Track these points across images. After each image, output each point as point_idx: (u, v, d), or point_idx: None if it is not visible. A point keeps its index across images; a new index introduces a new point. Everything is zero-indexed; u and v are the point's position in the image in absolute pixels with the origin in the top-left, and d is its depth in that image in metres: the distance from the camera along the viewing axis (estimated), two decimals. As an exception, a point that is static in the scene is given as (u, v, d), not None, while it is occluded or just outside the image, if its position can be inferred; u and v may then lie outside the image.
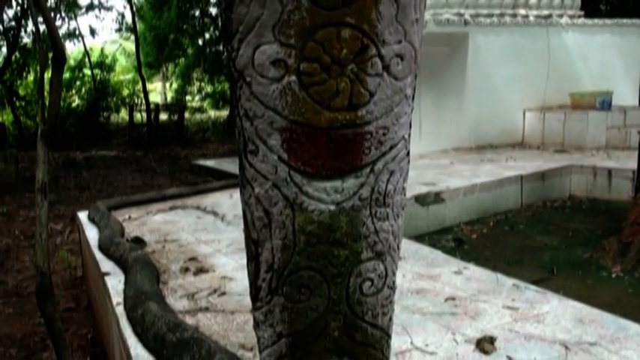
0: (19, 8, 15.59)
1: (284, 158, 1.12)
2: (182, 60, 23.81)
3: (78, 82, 20.49)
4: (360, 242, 1.15)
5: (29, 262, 6.61)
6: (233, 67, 1.15)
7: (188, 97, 25.79)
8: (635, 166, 6.08)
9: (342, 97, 1.09)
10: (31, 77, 19.50)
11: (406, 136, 1.18)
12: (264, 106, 1.11)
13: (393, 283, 1.23)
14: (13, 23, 16.19)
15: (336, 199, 1.12)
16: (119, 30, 23.47)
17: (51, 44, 3.11)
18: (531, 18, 9.70)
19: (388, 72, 1.13)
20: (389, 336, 1.26)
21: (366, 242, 1.16)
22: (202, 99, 26.39)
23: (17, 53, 17.15)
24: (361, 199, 1.14)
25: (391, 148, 1.15)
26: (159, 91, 30.92)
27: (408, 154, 1.21)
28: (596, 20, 10.39)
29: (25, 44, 17.56)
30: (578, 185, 7.19)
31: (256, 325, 1.24)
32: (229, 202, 5.81)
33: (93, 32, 19.71)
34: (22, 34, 16.85)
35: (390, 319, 1.25)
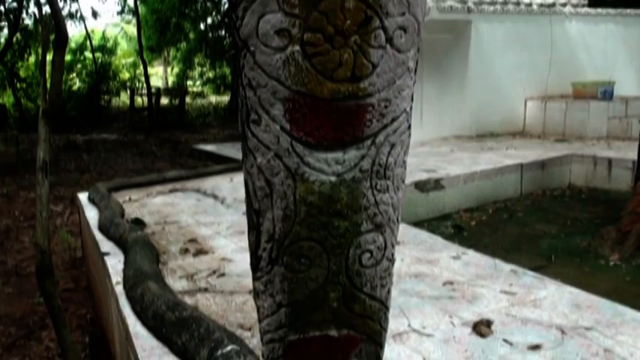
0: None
1: (286, 128, 1.12)
2: (184, 44, 23.77)
3: (79, 65, 20.46)
4: (360, 214, 1.16)
5: (29, 243, 6.63)
6: (237, 36, 1.15)
7: (189, 82, 25.77)
8: (635, 156, 6.07)
9: (344, 68, 1.10)
10: (32, 59, 19.45)
11: (408, 109, 1.18)
12: (267, 76, 1.12)
13: (392, 255, 1.23)
14: (14, 4, 16.10)
15: (337, 171, 1.13)
16: (121, 12, 23.36)
17: (54, 23, 3.10)
18: (534, 6, 9.66)
19: (391, 44, 1.13)
20: (387, 308, 1.27)
21: (366, 214, 1.16)
22: (203, 84, 26.37)
23: (19, 35, 17.08)
24: (362, 170, 1.14)
25: (393, 120, 1.15)
26: (160, 75, 30.87)
27: (410, 127, 1.21)
28: (599, 10, 10.35)
29: (27, 26, 17.48)
30: (578, 175, 7.20)
31: (256, 294, 1.25)
32: (229, 185, 5.82)
33: (95, 14, 19.61)
34: (24, 15, 16.75)
35: (389, 291, 1.26)
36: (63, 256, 6.06)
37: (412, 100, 1.23)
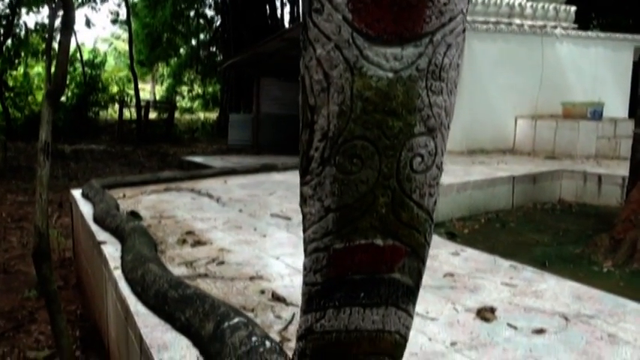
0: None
1: (348, 18, 1.12)
2: (174, 59, 23.86)
3: (68, 77, 20.39)
4: (414, 114, 1.16)
5: (17, 243, 6.58)
6: None
7: (178, 98, 25.81)
8: (625, 173, 6.14)
9: (408, -43, 1.11)
10: (21, 70, 19.38)
11: (464, 11, 1.19)
12: (332, -40, 1.12)
13: (441, 163, 1.23)
14: (7, 11, 16.07)
15: (395, 67, 1.13)
16: (115, 22, 23.35)
17: (62, 4, 3.11)
18: (526, 27, 9.82)
19: (452, -63, 1.14)
20: (432, 221, 1.26)
21: (419, 115, 1.16)
22: (192, 99, 26.43)
23: (9, 42, 17.04)
24: (418, 69, 1.14)
25: (450, 20, 1.16)
26: (148, 91, 30.91)
27: (464, 30, 1.22)
28: (589, 33, 10.55)
29: (18, 33, 17.45)
30: (568, 190, 7.26)
31: (303, 201, 1.23)
32: (224, 186, 5.81)
33: (88, 23, 19.66)
34: (16, 22, 16.71)
35: (435, 202, 1.26)
36: (52, 256, 5.99)
37: (469, 2, 1.24)
